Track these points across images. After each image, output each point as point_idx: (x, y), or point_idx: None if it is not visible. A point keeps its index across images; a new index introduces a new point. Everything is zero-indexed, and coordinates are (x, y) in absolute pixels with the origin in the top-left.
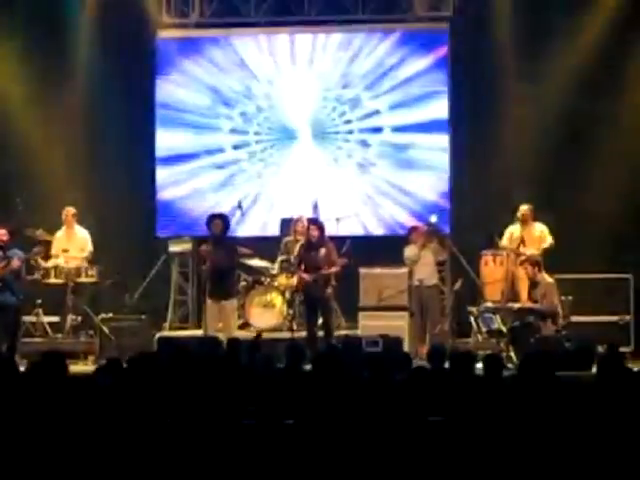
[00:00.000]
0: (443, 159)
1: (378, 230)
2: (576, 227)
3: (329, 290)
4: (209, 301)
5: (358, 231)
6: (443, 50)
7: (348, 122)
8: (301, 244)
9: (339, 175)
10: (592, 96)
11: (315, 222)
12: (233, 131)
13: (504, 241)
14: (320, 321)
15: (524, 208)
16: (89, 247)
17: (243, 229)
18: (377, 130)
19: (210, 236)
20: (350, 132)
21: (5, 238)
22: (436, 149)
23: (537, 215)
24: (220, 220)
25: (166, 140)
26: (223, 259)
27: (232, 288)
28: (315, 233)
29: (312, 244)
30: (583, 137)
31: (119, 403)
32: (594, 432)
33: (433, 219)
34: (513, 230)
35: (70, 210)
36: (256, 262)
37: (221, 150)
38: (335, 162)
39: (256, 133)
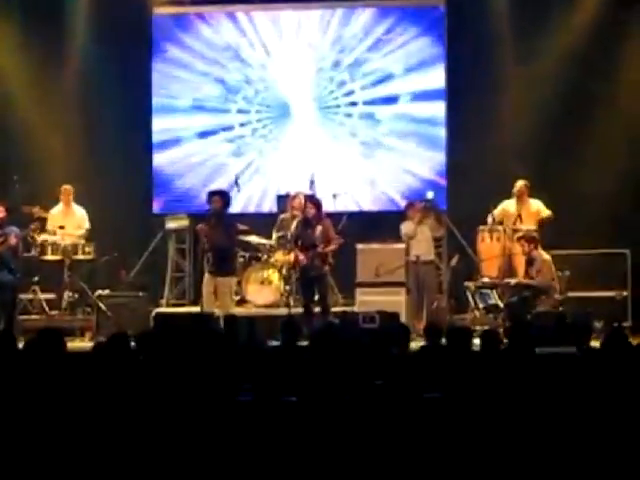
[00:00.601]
0: (439, 136)
1: (374, 206)
2: (573, 203)
3: (326, 268)
4: (207, 277)
5: (354, 207)
6: (441, 26)
7: (348, 94)
8: (298, 221)
9: (335, 150)
10: (589, 72)
11: (312, 199)
12: (232, 110)
13: (496, 211)
14: (317, 298)
15: (520, 183)
16: (86, 225)
17: (239, 205)
18: (370, 102)
19: (210, 213)
20: (348, 104)
21: (2, 215)
22: (432, 124)
23: (534, 191)
24: (219, 197)
25: (163, 118)
26: (222, 236)
27: (230, 265)
28: (312, 210)
29: (309, 221)
30: (580, 113)
31: (116, 380)
32: (592, 406)
33: (430, 195)
34: (508, 204)
35: (67, 188)
36: (253, 238)
37: (223, 127)
38: (332, 136)
39: (258, 111)
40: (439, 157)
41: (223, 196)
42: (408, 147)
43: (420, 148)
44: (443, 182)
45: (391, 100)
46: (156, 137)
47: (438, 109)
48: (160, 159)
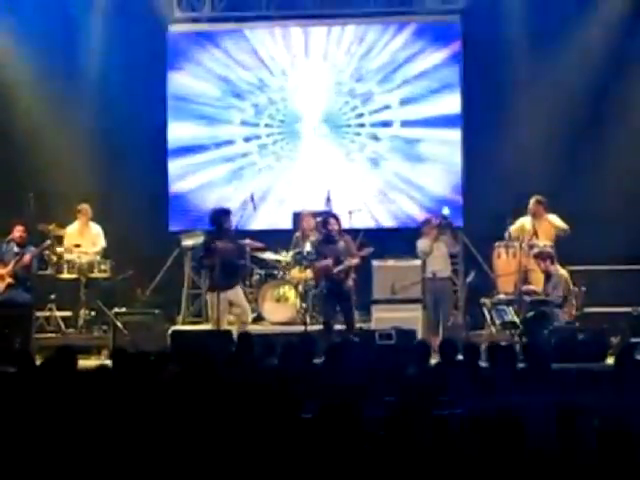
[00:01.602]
0: (455, 152)
1: (390, 223)
2: (590, 219)
3: (349, 282)
4: (214, 295)
5: (370, 224)
6: (456, 45)
7: (360, 115)
8: (319, 239)
9: (351, 168)
10: (607, 85)
11: (333, 215)
12: (244, 123)
13: (513, 228)
14: (338, 312)
15: (533, 200)
16: (102, 243)
17: (256, 223)
18: (387, 124)
19: (221, 231)
20: (362, 125)
21: (23, 235)
22: (448, 142)
23: (551, 207)
24: (228, 215)
25: (178, 132)
26: (230, 252)
27: (234, 279)
28: (335, 227)
29: (331, 237)
30: (598, 128)
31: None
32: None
33: (446, 211)
34: (524, 221)
35: (85, 207)
36: (269, 255)
37: (231, 142)
38: (347, 156)
39: (267, 125)
40: (455, 173)
41: (230, 214)
42: (424, 164)
43: (436, 165)
44: (459, 199)
45: (406, 123)
46: (170, 147)
47: (454, 129)
48: (175, 175)
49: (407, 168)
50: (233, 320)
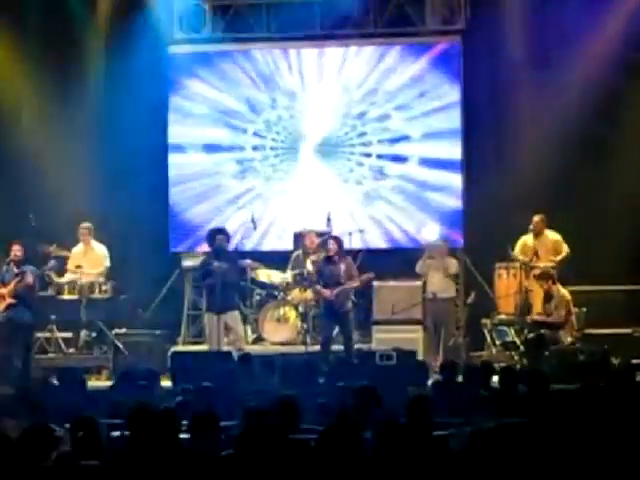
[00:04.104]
0: (456, 172)
1: (389, 244)
2: (591, 240)
3: (349, 304)
4: (211, 316)
5: (371, 245)
6: (457, 64)
7: (363, 145)
8: (318, 258)
9: (350, 189)
10: (609, 106)
11: (334, 237)
12: (238, 146)
13: (516, 251)
14: (336, 334)
15: (536, 218)
16: (106, 263)
17: (255, 243)
18: (387, 155)
19: (215, 250)
20: (364, 155)
21: (19, 254)
22: (449, 164)
23: (554, 226)
24: (223, 234)
25: (179, 155)
26: (228, 272)
27: (233, 300)
28: (333, 247)
29: (331, 258)
30: (601, 150)
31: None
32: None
33: (445, 233)
34: (526, 240)
35: (85, 226)
36: (269, 276)
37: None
38: (346, 178)
39: (272, 147)
40: (456, 194)
41: (226, 233)
42: (425, 185)
43: (436, 188)
44: (460, 219)
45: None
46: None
47: (454, 148)
48: (177, 196)
49: (407, 189)
50: (231, 341)
